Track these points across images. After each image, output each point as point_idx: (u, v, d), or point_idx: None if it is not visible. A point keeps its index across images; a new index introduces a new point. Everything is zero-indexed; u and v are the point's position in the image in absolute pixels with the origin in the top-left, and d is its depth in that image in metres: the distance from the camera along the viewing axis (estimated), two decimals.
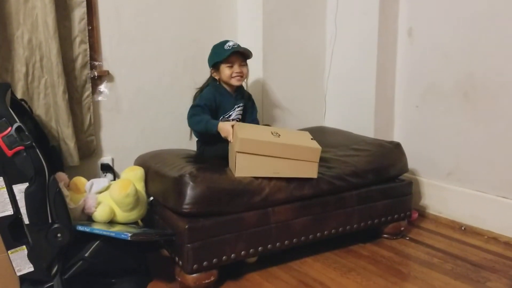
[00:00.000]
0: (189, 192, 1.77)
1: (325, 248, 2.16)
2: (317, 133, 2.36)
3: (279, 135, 1.94)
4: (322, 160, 1.98)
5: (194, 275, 1.78)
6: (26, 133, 1.56)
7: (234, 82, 2.17)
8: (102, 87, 2.34)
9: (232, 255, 1.84)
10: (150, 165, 2.09)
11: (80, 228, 1.68)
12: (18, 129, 1.54)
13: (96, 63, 2.29)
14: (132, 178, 1.99)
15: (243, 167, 1.88)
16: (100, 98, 2.34)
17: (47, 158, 1.62)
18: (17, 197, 1.56)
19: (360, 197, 2.13)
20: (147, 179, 2.05)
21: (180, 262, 1.81)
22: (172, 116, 2.52)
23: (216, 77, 2.21)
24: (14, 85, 2.06)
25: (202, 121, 2.05)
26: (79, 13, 2.17)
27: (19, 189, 1.55)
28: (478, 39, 2.32)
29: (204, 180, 1.81)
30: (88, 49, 2.22)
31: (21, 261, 1.61)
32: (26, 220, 1.58)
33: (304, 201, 1.98)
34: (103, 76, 2.32)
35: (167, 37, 2.50)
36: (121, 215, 1.89)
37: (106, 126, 2.38)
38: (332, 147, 2.32)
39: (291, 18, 2.71)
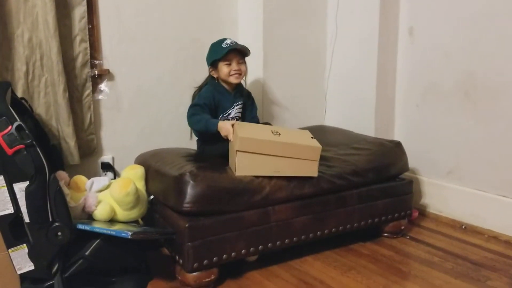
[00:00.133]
0: (190, 191, 1.77)
1: (326, 247, 2.16)
2: (318, 132, 2.36)
3: (279, 134, 1.94)
4: (322, 159, 1.98)
5: (195, 273, 1.78)
6: (27, 131, 1.56)
7: (233, 79, 2.17)
8: (103, 86, 2.34)
9: (233, 253, 1.84)
10: (150, 164, 2.09)
11: (80, 226, 1.68)
12: (18, 128, 1.54)
13: (97, 61, 2.29)
14: (132, 176, 1.99)
15: (244, 166, 1.88)
16: (100, 96, 2.34)
17: (47, 156, 1.62)
18: (18, 196, 1.56)
19: (360, 196, 2.13)
20: (148, 178, 2.05)
21: (181, 261, 1.81)
22: (173, 115, 2.52)
23: (215, 76, 2.21)
24: (14, 83, 2.06)
25: (202, 120, 2.05)
26: (79, 11, 2.17)
27: (20, 187, 1.56)
28: (478, 38, 2.31)
29: (205, 179, 1.81)
30: (89, 48, 2.22)
31: (21, 260, 1.61)
32: (26, 219, 1.58)
33: (304, 200, 1.98)
34: (103, 74, 2.32)
35: (168, 36, 2.49)
36: (121, 214, 1.89)
37: (106, 124, 2.38)
38: (333, 146, 2.32)
39: (291, 17, 2.71)
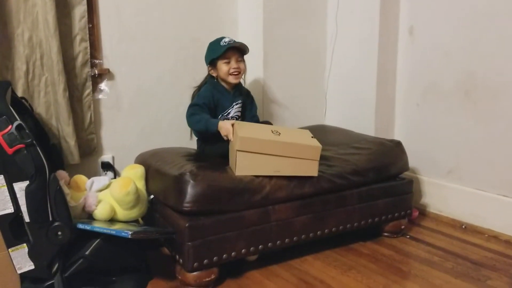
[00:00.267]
0: (190, 191, 1.77)
1: (326, 246, 2.16)
2: (318, 131, 2.36)
3: (280, 133, 1.94)
4: (322, 158, 1.98)
5: (195, 273, 1.78)
6: (27, 131, 1.56)
7: (232, 80, 2.17)
8: (103, 85, 2.34)
9: (233, 253, 1.84)
10: (150, 163, 2.09)
11: (80, 226, 1.68)
12: (18, 127, 1.54)
13: (97, 61, 2.29)
14: (132, 176, 1.99)
15: (244, 165, 1.88)
16: (100, 96, 2.34)
17: (47, 156, 1.61)
18: (18, 195, 1.56)
19: (360, 196, 2.13)
20: (148, 177, 2.05)
21: (181, 260, 1.81)
22: (173, 114, 2.52)
23: (214, 75, 2.21)
24: (14, 83, 2.06)
25: (201, 120, 2.05)
26: (79, 11, 2.17)
27: (20, 187, 1.55)
28: (479, 38, 2.31)
29: (205, 178, 1.81)
30: (89, 47, 2.22)
31: (21, 259, 1.61)
32: (26, 218, 1.58)
33: (304, 200, 1.98)
34: (103, 74, 2.32)
35: (168, 36, 2.49)
36: (121, 213, 1.89)
37: (106, 124, 2.38)
38: (333, 145, 2.32)
39: (291, 17, 2.71)
